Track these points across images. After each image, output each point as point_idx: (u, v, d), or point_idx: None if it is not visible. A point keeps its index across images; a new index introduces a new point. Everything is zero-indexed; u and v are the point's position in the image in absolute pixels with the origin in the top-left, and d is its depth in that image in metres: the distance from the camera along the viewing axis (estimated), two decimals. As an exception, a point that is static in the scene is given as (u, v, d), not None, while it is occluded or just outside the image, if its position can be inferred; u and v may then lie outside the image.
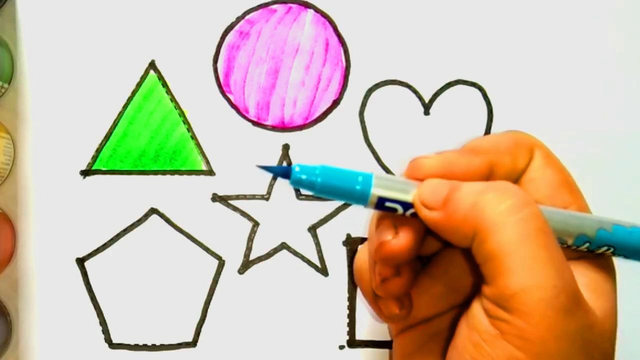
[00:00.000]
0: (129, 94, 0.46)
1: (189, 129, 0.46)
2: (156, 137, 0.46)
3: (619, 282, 0.30)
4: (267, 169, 0.28)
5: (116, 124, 0.46)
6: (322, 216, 0.47)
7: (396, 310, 0.31)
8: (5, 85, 0.45)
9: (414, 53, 0.46)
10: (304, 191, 0.46)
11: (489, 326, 0.26)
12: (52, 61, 0.46)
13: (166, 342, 0.46)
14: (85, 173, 0.46)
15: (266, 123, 0.47)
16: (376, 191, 0.28)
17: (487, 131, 0.47)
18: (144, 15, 0.46)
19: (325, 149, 0.46)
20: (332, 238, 0.47)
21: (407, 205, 0.28)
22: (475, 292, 0.28)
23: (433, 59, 0.46)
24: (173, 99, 0.46)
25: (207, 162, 0.47)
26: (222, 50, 0.46)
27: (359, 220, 0.47)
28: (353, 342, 0.47)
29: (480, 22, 0.46)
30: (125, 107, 0.46)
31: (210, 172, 0.47)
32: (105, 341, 0.46)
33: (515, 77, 0.46)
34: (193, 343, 0.46)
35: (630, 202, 0.46)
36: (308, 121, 0.47)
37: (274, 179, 0.47)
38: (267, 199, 0.47)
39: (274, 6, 0.46)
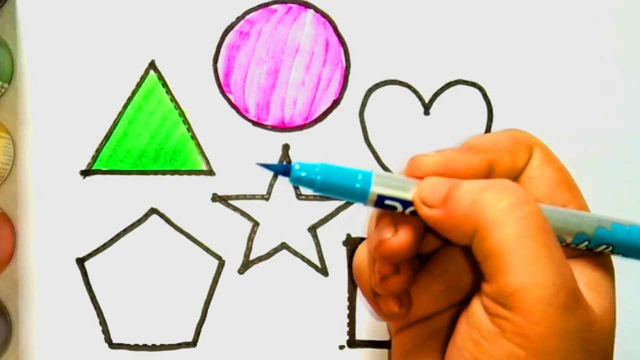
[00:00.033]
0: (129, 94, 0.46)
1: (189, 129, 0.47)
2: (156, 137, 0.47)
3: (617, 280, 0.30)
4: (267, 166, 0.28)
5: (116, 124, 0.46)
6: (322, 216, 0.47)
7: (395, 308, 0.31)
8: (5, 85, 0.46)
9: (414, 53, 0.46)
10: (304, 191, 0.46)
11: (489, 324, 0.26)
12: (52, 61, 0.46)
13: (166, 342, 0.46)
14: (85, 173, 0.47)
15: (266, 123, 0.47)
16: (376, 189, 0.28)
17: (487, 131, 0.47)
18: (144, 15, 0.46)
19: (325, 149, 0.47)
20: (332, 238, 0.47)
21: (406, 203, 0.28)
22: (474, 290, 0.28)
23: (433, 59, 0.46)
24: (173, 99, 0.47)
25: (207, 162, 0.47)
26: (222, 50, 0.47)
27: (359, 220, 0.47)
28: (353, 342, 0.47)
29: (480, 22, 0.46)
30: (125, 107, 0.46)
31: (210, 172, 0.47)
32: (105, 341, 0.46)
33: (515, 77, 0.46)
34: (193, 343, 0.46)
35: (629, 202, 0.46)
36: (308, 121, 0.47)
37: (274, 178, 0.47)
38: (267, 199, 0.47)
39: (274, 6, 0.46)
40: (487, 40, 0.46)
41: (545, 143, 0.31)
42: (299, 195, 0.47)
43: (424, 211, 0.28)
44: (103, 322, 0.46)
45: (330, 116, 0.47)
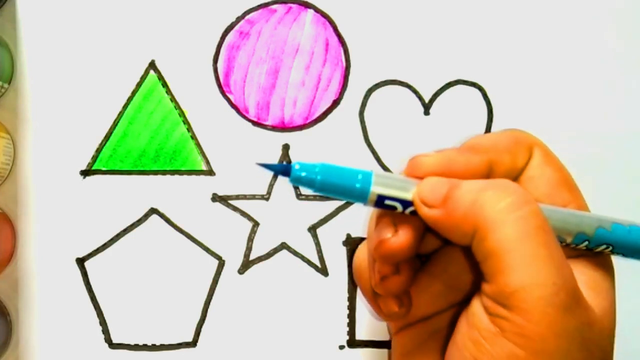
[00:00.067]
0: (129, 94, 0.46)
1: (189, 129, 0.47)
2: (156, 137, 0.47)
3: (617, 280, 0.30)
4: (267, 166, 0.28)
5: (116, 124, 0.46)
6: (322, 216, 0.47)
7: (395, 308, 0.31)
8: (5, 85, 0.46)
9: (414, 53, 0.46)
10: (304, 191, 0.46)
11: (489, 324, 0.26)
12: (52, 61, 0.46)
13: (166, 342, 0.46)
14: (85, 173, 0.47)
15: (266, 123, 0.47)
16: (376, 189, 0.28)
17: (487, 131, 0.47)
18: (144, 15, 0.46)
19: (325, 149, 0.47)
20: (332, 238, 0.47)
21: (406, 203, 0.28)
22: (474, 290, 0.28)
23: (433, 59, 0.46)
24: (173, 99, 0.47)
25: (207, 162, 0.47)
26: (222, 50, 0.47)
27: (359, 220, 0.47)
28: (353, 342, 0.47)
29: (480, 22, 0.46)
30: (125, 107, 0.46)
31: (210, 172, 0.47)
32: (105, 341, 0.46)
33: (515, 77, 0.46)
34: (193, 343, 0.46)
35: (629, 202, 0.46)
36: (308, 121, 0.47)
37: (274, 178, 0.47)
38: (267, 199, 0.47)
39: (274, 6, 0.46)
40: (487, 40, 0.46)
41: (545, 143, 0.31)
42: (299, 195, 0.47)
43: (424, 211, 0.28)
44: (103, 322, 0.46)
45: (330, 116, 0.47)
